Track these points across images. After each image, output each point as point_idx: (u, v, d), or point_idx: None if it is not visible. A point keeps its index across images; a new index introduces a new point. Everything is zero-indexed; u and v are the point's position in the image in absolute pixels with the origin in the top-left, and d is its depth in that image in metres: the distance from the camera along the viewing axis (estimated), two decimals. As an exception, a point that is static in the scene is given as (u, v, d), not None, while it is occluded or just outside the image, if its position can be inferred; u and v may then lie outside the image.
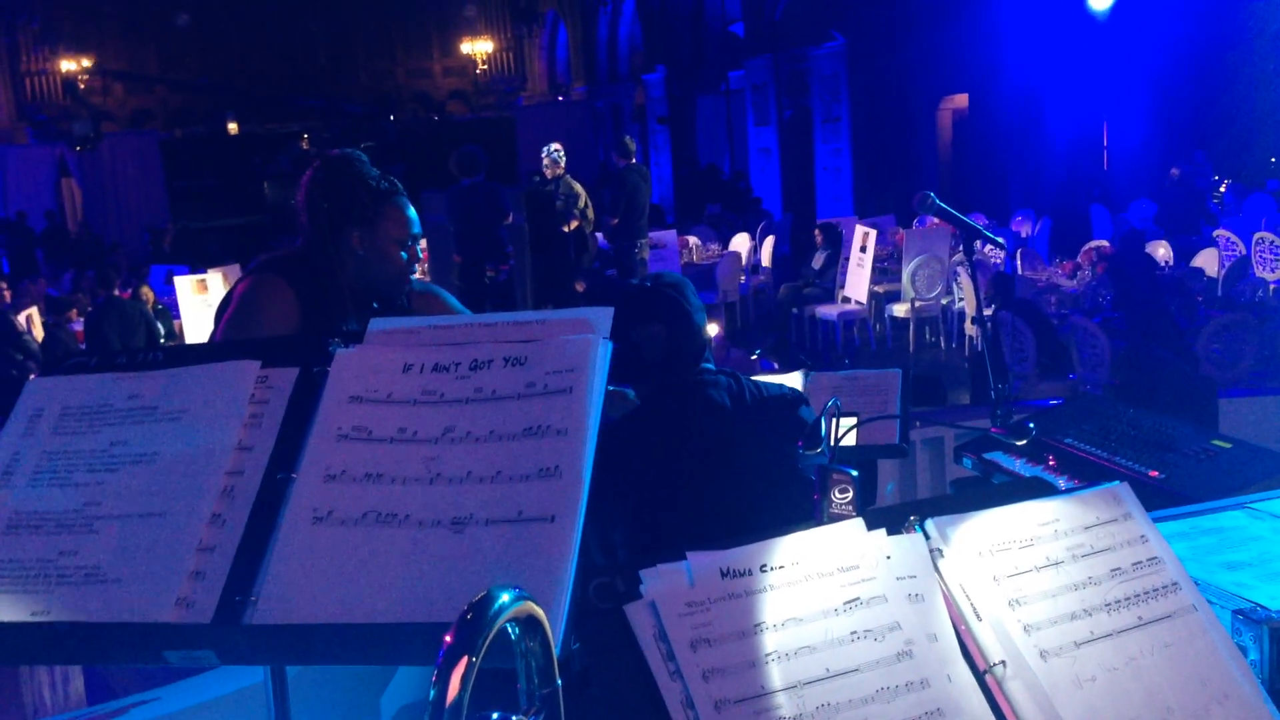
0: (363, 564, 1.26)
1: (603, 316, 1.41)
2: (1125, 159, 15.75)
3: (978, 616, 1.29)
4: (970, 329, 9.89)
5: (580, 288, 9.55)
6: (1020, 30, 14.66)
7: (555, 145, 10.57)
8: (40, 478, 1.41)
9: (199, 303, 9.55)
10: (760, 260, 13.93)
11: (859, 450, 2.97)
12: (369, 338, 1.47)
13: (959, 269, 10.49)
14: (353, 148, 2.97)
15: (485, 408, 1.35)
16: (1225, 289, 9.96)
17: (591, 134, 25.58)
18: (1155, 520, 1.43)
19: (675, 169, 23.22)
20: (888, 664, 1.24)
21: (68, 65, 24.64)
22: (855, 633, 1.25)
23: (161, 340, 10.00)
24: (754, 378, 2.69)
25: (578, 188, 10.52)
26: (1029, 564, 1.34)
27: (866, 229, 11.07)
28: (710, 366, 2.59)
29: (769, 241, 14.08)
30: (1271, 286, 10.18)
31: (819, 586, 1.27)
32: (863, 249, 10.90)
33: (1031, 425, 2.77)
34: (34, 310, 11.25)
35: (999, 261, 10.52)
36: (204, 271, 10.29)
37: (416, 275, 2.90)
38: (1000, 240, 3.61)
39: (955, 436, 4.11)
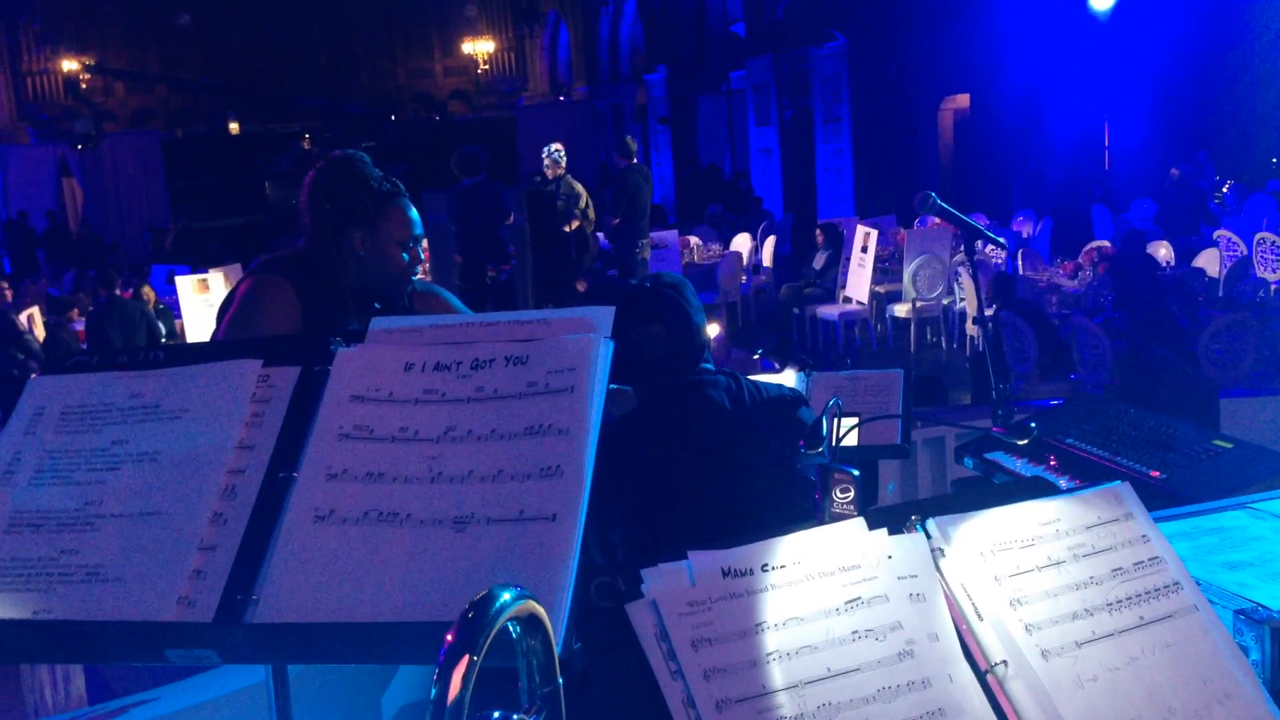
0: (364, 563, 1.26)
1: (604, 316, 1.41)
2: (1126, 159, 15.75)
3: (979, 616, 1.29)
4: (971, 329, 9.89)
5: (581, 288, 9.55)
6: (1022, 30, 14.66)
7: (556, 145, 10.57)
8: (42, 477, 1.41)
9: (200, 302, 9.56)
10: (761, 260, 13.93)
11: (860, 450, 2.97)
12: (370, 337, 1.47)
13: (960, 269, 10.49)
14: (354, 148, 2.98)
15: (486, 407, 1.35)
16: (1226, 289, 9.95)
17: (593, 134, 25.60)
18: (1156, 520, 1.43)
19: (676, 169, 23.23)
20: (889, 663, 1.24)
21: (69, 65, 24.65)
22: (857, 632, 1.25)
23: (163, 340, 10.01)
24: (752, 377, 2.69)
25: (579, 188, 10.52)
26: (1030, 564, 1.34)
27: (868, 229, 11.07)
28: (709, 367, 2.59)
29: (770, 241, 14.08)
30: (1273, 287, 10.17)
31: (820, 586, 1.27)
32: (864, 249, 10.90)
33: (1033, 425, 2.77)
34: (35, 310, 11.27)
35: (1000, 261, 10.53)
36: (205, 271, 10.30)
37: (418, 276, 2.90)
38: (1001, 240, 3.61)
39: (956, 436, 4.11)
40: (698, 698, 1.17)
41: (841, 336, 10.84)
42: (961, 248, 9.06)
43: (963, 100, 17.26)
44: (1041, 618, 1.30)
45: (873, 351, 10.90)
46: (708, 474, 2.44)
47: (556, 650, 1.05)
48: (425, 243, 2.90)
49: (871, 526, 1.33)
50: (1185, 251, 10.95)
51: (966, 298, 10.33)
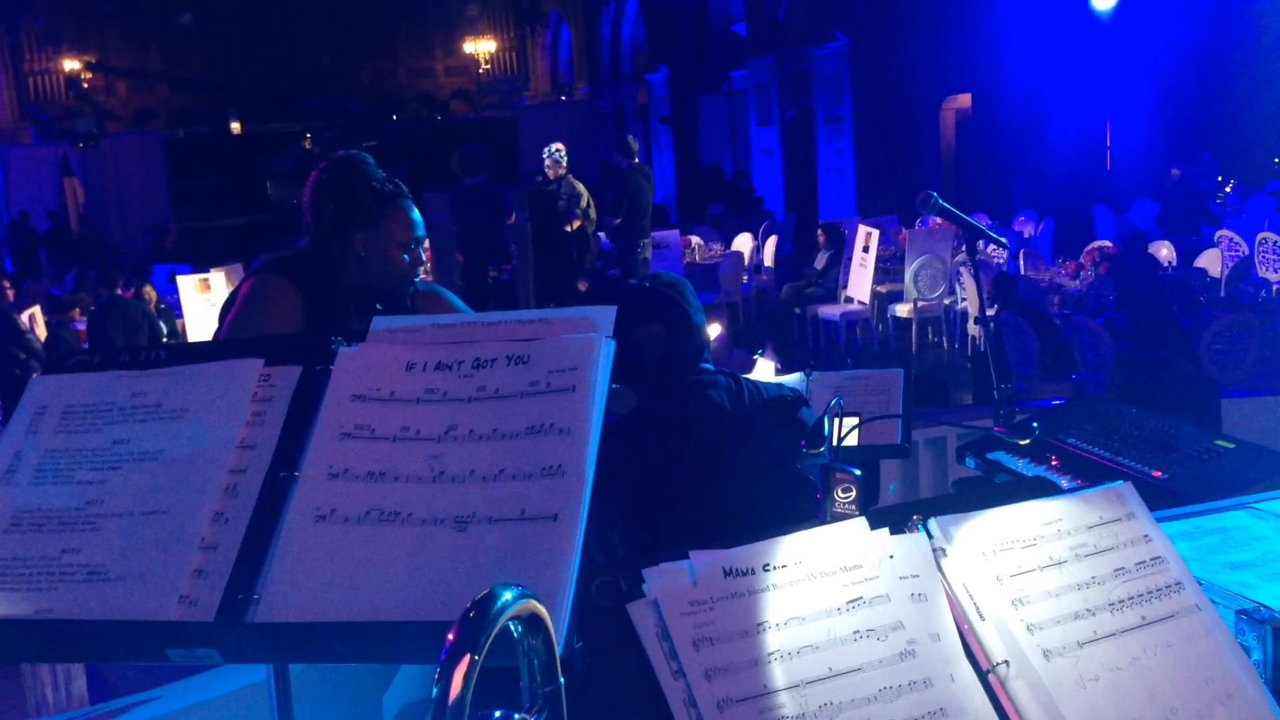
0: (365, 562, 1.26)
1: (605, 315, 1.41)
2: (1128, 159, 15.74)
3: (981, 616, 1.29)
4: (973, 329, 9.88)
5: (583, 287, 9.54)
6: (1023, 30, 14.66)
7: (558, 145, 10.57)
8: (43, 476, 1.41)
9: (201, 302, 9.56)
10: (763, 260, 13.93)
11: (861, 450, 2.97)
12: (372, 336, 1.47)
13: (962, 269, 10.49)
14: (355, 147, 2.97)
15: (488, 406, 1.35)
16: (1228, 289, 9.95)
17: (594, 134, 25.60)
18: (1158, 520, 1.43)
19: (678, 169, 23.23)
20: (890, 663, 1.24)
21: (71, 64, 24.67)
22: (858, 632, 1.25)
23: (164, 339, 10.02)
24: (752, 377, 2.69)
25: (580, 187, 10.52)
26: (1032, 563, 1.34)
27: (869, 229, 11.07)
28: (709, 367, 2.59)
29: (771, 241, 14.08)
30: (1275, 287, 10.18)
31: (822, 586, 1.27)
32: (865, 249, 10.90)
33: (1035, 425, 2.77)
34: (37, 309, 11.28)
35: (1002, 261, 10.53)
36: (207, 271, 10.30)
37: (421, 277, 2.90)
38: (1003, 240, 3.60)
39: (958, 436, 4.11)
40: (699, 697, 1.17)
41: (843, 336, 10.84)
42: (963, 247, 9.06)
43: (964, 100, 17.25)
44: (1043, 617, 1.30)
45: (874, 351, 10.90)
46: (707, 474, 2.44)
47: (558, 650, 1.05)
48: (427, 244, 2.90)
49: (873, 526, 1.33)
50: (1187, 251, 10.95)
51: (968, 297, 10.32)
